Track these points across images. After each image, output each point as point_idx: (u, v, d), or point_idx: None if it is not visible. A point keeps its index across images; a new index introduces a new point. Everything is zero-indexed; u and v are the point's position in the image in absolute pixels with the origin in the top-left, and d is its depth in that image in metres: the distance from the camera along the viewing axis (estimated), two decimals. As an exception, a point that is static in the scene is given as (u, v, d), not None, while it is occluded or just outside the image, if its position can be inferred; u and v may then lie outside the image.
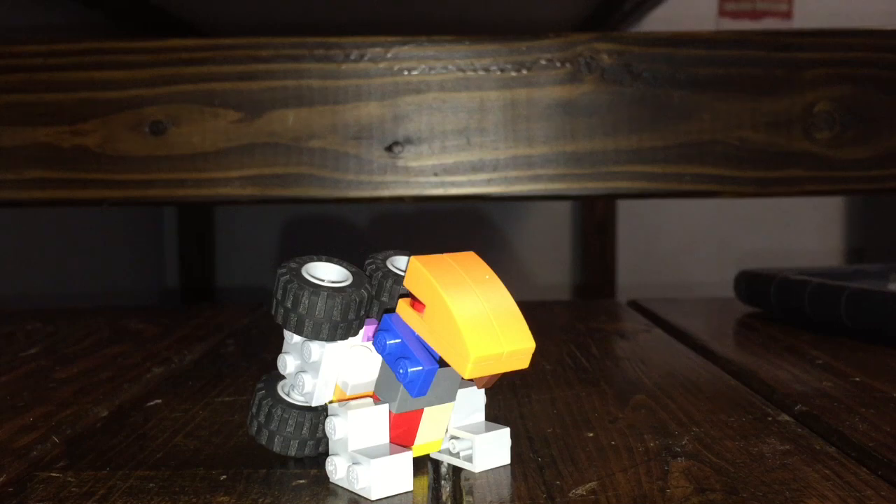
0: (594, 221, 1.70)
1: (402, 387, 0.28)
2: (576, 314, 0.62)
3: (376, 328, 0.29)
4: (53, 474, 0.29)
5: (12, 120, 0.65)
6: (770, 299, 0.56)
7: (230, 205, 0.70)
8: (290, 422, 0.30)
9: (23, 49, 0.65)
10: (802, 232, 1.69)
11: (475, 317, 0.26)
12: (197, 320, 0.59)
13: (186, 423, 0.35)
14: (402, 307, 0.28)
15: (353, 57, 0.64)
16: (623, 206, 1.70)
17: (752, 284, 0.59)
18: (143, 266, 1.60)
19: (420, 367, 0.27)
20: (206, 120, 0.64)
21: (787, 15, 1.68)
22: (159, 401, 0.39)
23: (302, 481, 0.28)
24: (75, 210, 1.15)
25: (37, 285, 1.11)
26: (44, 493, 0.28)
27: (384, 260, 0.31)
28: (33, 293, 1.10)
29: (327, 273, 0.30)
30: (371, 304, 0.30)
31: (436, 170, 0.64)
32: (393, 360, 0.28)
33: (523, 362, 0.27)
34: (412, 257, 0.28)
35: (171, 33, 1.28)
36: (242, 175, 0.64)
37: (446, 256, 0.28)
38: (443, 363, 0.27)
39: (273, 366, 0.32)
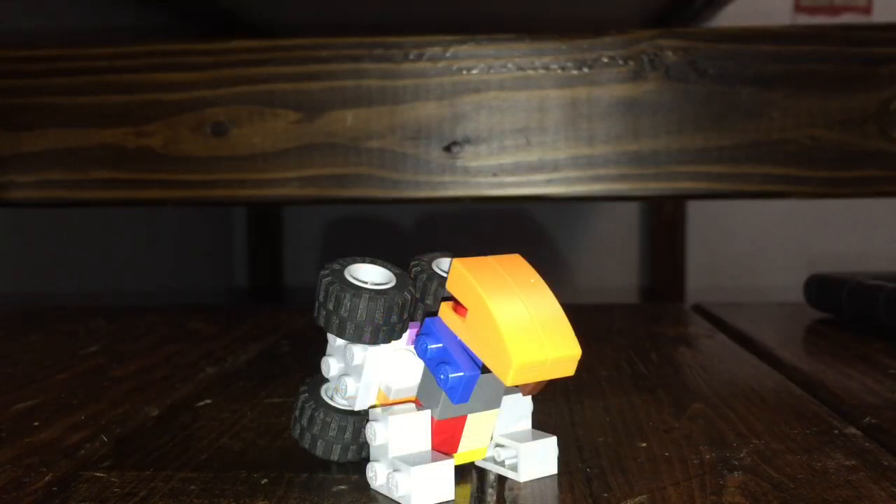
0: (663, 223, 1.67)
1: (444, 392, 0.27)
2: (637, 318, 0.60)
3: (418, 331, 0.28)
4: (98, 474, 0.29)
5: (80, 121, 0.66)
6: (841, 305, 0.54)
7: (290, 205, 0.70)
8: (332, 426, 0.29)
9: (90, 52, 0.66)
10: (881, 234, 1.63)
11: (518, 322, 0.25)
12: (254, 320, 0.60)
13: (234, 423, 0.35)
14: (445, 311, 0.27)
15: (411, 56, 0.64)
16: (693, 207, 1.66)
17: (822, 289, 0.57)
18: (213, 265, 1.63)
19: (461, 373, 0.26)
20: (267, 120, 0.65)
21: (867, 10, 1.62)
22: (209, 401, 0.39)
23: (342, 487, 0.28)
24: (146, 210, 1.17)
25: (107, 284, 1.14)
26: (86, 492, 0.28)
27: (430, 261, 0.30)
28: (103, 291, 1.12)
29: (370, 275, 0.29)
30: (415, 306, 0.29)
31: (494, 170, 0.64)
32: (434, 364, 0.27)
33: (568, 370, 0.26)
34: (454, 259, 0.27)
35: (234, 34, 1.29)
36: (301, 175, 0.65)
37: (490, 259, 0.27)
38: (485, 369, 0.26)
39: (320, 368, 0.32)
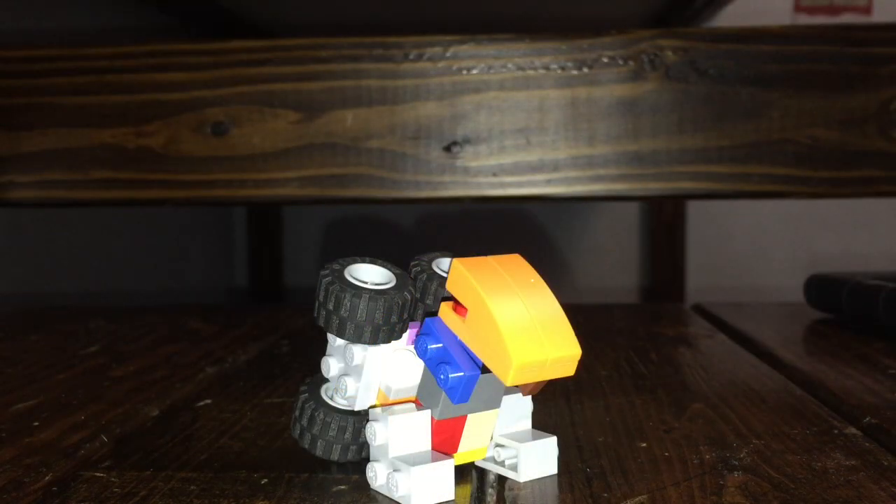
0: (663, 223, 1.67)
1: (444, 392, 0.27)
2: (637, 318, 0.60)
3: (418, 331, 0.28)
4: (98, 474, 0.29)
5: (80, 121, 0.66)
6: (841, 305, 0.54)
7: (290, 205, 0.70)
8: (332, 426, 0.29)
9: (90, 52, 0.66)
10: (881, 234, 1.63)
11: (518, 322, 0.25)
12: (254, 320, 0.60)
13: (234, 423, 0.35)
14: (445, 311, 0.27)
15: (411, 56, 0.64)
16: (693, 207, 1.66)
17: (822, 289, 0.57)
18: (213, 265, 1.63)
19: (461, 373, 0.26)
20: (267, 120, 0.65)
21: (867, 10, 1.62)
22: (209, 401, 0.39)
23: (343, 487, 0.28)
24: (146, 210, 1.17)
25: (107, 284, 1.14)
26: (86, 493, 0.28)
27: (430, 262, 0.30)
28: (103, 291, 1.12)
29: (370, 275, 0.29)
30: (415, 306, 0.29)
31: (494, 170, 0.64)
32: (434, 364, 0.27)
33: (568, 369, 0.26)
34: (454, 259, 0.27)
35: (234, 34, 1.29)
36: (301, 175, 0.65)
37: (490, 259, 0.27)
38: (485, 369, 0.26)
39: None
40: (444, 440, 0.28)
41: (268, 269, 1.73)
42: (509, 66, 0.63)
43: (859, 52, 0.62)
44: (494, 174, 0.64)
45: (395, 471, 0.26)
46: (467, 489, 0.28)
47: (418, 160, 0.64)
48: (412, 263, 0.30)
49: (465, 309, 0.26)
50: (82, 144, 0.66)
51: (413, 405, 0.28)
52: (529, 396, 0.29)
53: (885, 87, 0.62)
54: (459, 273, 0.26)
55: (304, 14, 1.23)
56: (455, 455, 0.28)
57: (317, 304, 0.28)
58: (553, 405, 0.37)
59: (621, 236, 1.72)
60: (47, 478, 0.29)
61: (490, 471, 0.29)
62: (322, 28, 1.27)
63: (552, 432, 0.29)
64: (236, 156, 0.65)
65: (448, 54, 0.63)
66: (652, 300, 1.68)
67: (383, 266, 0.29)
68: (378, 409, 0.28)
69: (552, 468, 0.29)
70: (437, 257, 0.30)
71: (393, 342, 0.28)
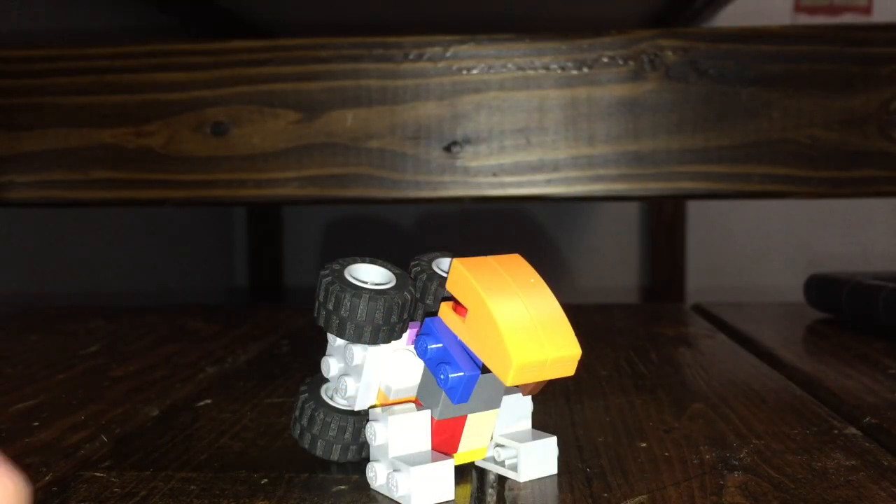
0: (663, 223, 1.67)
1: (444, 392, 0.27)
2: (637, 318, 0.60)
3: (418, 331, 0.28)
4: (98, 474, 0.29)
5: (81, 121, 0.66)
6: (841, 305, 0.54)
7: (290, 205, 0.70)
8: (332, 426, 0.29)
9: (90, 52, 0.66)
10: (881, 234, 1.63)
11: (518, 322, 0.25)
12: (254, 320, 0.60)
13: (234, 423, 0.35)
14: (445, 311, 0.27)
15: (411, 56, 0.64)
16: (693, 207, 1.66)
17: (822, 289, 0.57)
18: (213, 265, 1.63)
19: (461, 373, 0.26)
20: (267, 120, 0.65)
21: (867, 10, 1.62)
22: (209, 401, 0.39)
23: (343, 487, 0.28)
24: (146, 210, 1.17)
25: (107, 284, 1.14)
26: (86, 493, 0.28)
27: (430, 262, 0.30)
28: (103, 291, 1.12)
29: (370, 275, 0.29)
30: (415, 306, 0.29)
31: (494, 170, 0.64)
32: (434, 364, 0.27)
33: (568, 369, 0.26)
34: (454, 259, 0.27)
35: (234, 34, 1.29)
36: (301, 175, 0.65)
37: (490, 259, 0.27)
38: (485, 369, 0.26)
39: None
40: (444, 440, 0.28)
41: (268, 269, 1.73)
42: (509, 66, 0.63)
43: (859, 52, 0.62)
44: (494, 174, 0.64)
45: (395, 471, 0.26)
46: (467, 489, 0.28)
47: (418, 160, 0.64)
48: (412, 263, 0.30)
49: (465, 309, 0.26)
50: (82, 144, 0.66)
51: (413, 405, 0.28)
52: (529, 396, 0.29)
53: (885, 87, 0.62)
54: (459, 273, 0.26)
55: (304, 14, 1.23)
56: (455, 455, 0.28)
57: (317, 304, 0.28)
58: (553, 405, 0.37)
59: (621, 236, 1.72)
60: (47, 478, 0.29)
61: (490, 471, 0.29)
62: (322, 28, 1.27)
63: (552, 432, 0.29)
64: (236, 156, 0.65)
65: (448, 54, 0.63)
66: (652, 300, 1.68)
67: (383, 266, 0.29)
68: (378, 409, 0.28)
69: (552, 468, 0.29)
70: (437, 257, 0.30)
71: (393, 342, 0.28)
